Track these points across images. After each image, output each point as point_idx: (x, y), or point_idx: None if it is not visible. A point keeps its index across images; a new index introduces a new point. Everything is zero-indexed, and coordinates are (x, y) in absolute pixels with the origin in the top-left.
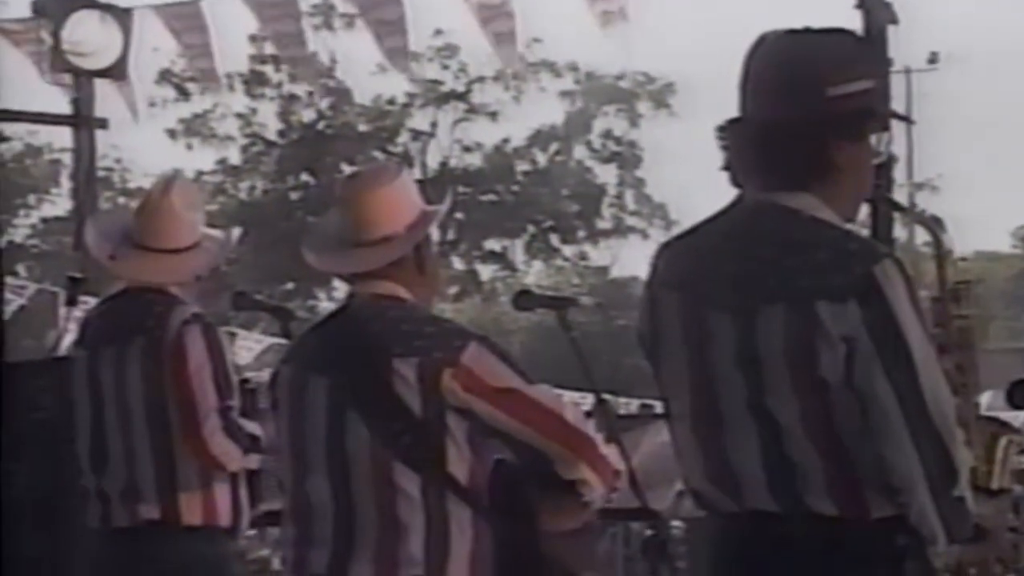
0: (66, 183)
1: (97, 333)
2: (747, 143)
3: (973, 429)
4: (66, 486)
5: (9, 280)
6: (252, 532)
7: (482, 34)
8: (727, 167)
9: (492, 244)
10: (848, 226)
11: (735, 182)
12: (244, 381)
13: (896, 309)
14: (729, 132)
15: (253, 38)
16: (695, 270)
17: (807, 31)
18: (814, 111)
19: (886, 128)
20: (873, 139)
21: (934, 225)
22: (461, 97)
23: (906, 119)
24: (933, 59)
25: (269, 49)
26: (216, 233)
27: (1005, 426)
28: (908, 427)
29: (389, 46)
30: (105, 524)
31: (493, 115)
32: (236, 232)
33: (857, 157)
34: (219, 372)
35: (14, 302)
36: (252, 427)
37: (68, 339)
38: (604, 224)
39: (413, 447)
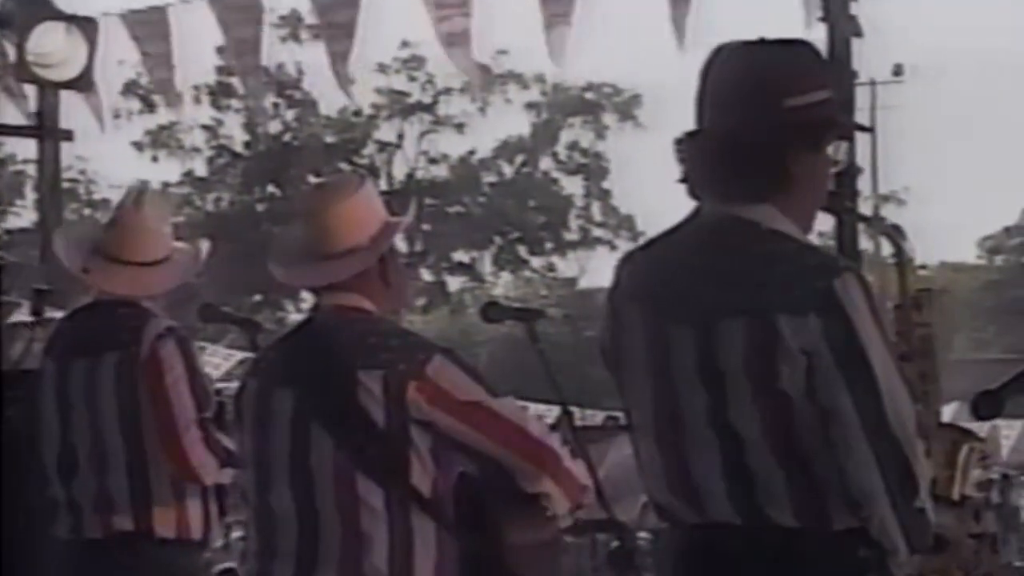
0: (31, 195)
1: (67, 344)
2: (705, 155)
3: (934, 437)
4: (33, 499)
5: None
6: (219, 544)
7: (434, 35)
8: (685, 179)
9: (460, 256)
10: (808, 239)
11: (693, 194)
12: (216, 392)
13: (856, 323)
14: (687, 144)
15: (220, 50)
16: (656, 282)
17: (764, 42)
18: (772, 122)
19: (846, 138)
20: (831, 149)
21: (894, 233)
22: (427, 109)
23: (867, 129)
24: (898, 71)
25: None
26: (183, 246)
27: (967, 434)
28: (868, 440)
29: (338, 68)
30: (76, 535)
31: (459, 127)
32: (205, 245)
33: (815, 168)
34: (196, 384)
35: None
36: (227, 441)
37: (34, 350)
38: (571, 235)
39: (377, 460)
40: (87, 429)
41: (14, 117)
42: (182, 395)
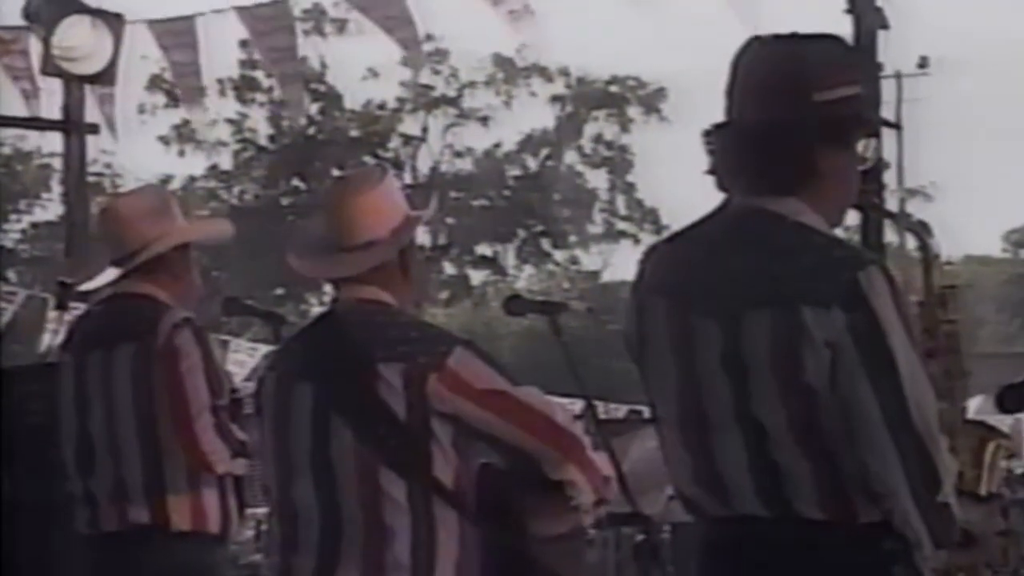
0: (56, 188)
1: (85, 337)
2: (733, 147)
3: (960, 434)
4: (58, 491)
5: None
6: (248, 535)
7: (494, 14)
8: (713, 171)
9: (483, 249)
10: (835, 232)
11: (721, 186)
12: (233, 391)
13: (880, 316)
14: (716, 136)
15: (244, 43)
16: (681, 275)
17: (795, 36)
18: (801, 116)
19: (874, 134)
20: (860, 145)
21: (921, 229)
22: (452, 102)
23: (894, 126)
24: (923, 64)
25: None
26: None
27: (993, 431)
28: (891, 434)
29: (400, 36)
30: (93, 528)
31: (484, 120)
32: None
33: (843, 163)
34: (210, 373)
35: (6, 311)
36: (240, 433)
37: (50, 345)
38: (595, 229)
39: (399, 452)
40: (103, 421)
41: (39, 112)
42: (196, 383)
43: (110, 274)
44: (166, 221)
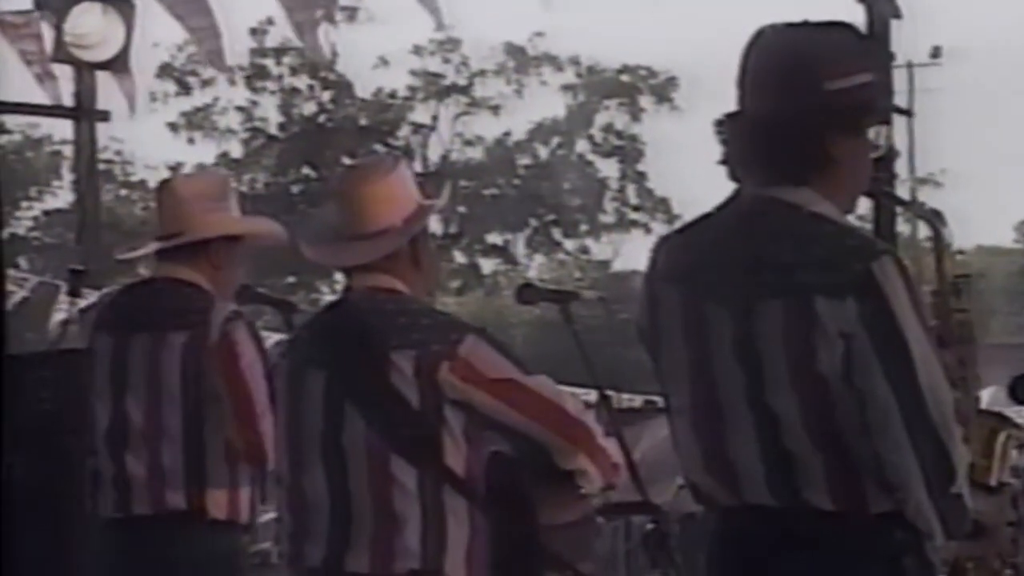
0: (67, 175)
1: (126, 319)
2: (745, 137)
3: (971, 423)
4: (68, 478)
5: (11, 272)
6: (265, 519)
7: None
8: (725, 161)
9: (494, 238)
10: (848, 222)
11: (733, 176)
12: None
13: (894, 306)
14: (727, 126)
15: (254, 31)
16: (694, 264)
17: (806, 25)
18: (812, 105)
19: (886, 122)
20: (872, 133)
21: (934, 219)
22: (463, 91)
23: (906, 113)
24: (936, 53)
25: (270, 42)
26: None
27: (1005, 420)
28: (905, 424)
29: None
30: (123, 511)
31: (494, 109)
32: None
33: (855, 151)
34: (266, 368)
35: (16, 294)
36: None
37: (70, 331)
38: (606, 218)
39: (410, 440)
40: (145, 405)
41: (51, 98)
42: (257, 379)
43: (151, 249)
44: (221, 209)
